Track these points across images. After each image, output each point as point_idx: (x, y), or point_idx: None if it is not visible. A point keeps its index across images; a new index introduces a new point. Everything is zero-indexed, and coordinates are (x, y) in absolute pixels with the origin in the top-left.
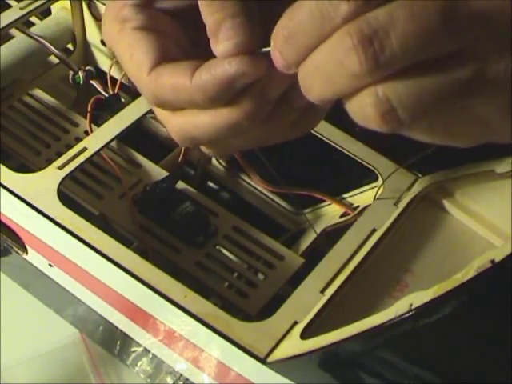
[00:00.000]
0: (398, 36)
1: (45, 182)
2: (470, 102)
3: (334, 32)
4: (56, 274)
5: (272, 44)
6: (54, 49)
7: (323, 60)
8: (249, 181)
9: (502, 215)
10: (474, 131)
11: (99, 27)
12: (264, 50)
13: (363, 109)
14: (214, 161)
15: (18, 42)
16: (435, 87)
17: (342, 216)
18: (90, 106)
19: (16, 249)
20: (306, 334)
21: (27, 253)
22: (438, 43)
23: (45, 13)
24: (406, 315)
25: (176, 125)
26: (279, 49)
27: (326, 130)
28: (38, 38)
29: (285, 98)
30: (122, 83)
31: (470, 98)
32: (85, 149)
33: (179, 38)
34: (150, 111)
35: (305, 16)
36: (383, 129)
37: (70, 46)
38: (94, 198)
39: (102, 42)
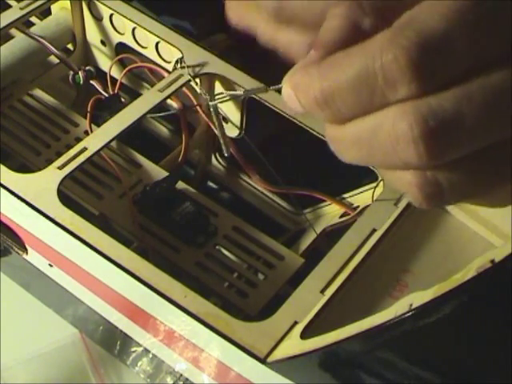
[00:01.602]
0: (467, 129)
1: (45, 182)
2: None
3: (384, 105)
4: (56, 274)
5: (289, 91)
6: (53, 49)
7: (367, 135)
8: (249, 181)
9: (502, 215)
10: (498, 202)
11: (99, 27)
12: (274, 87)
13: (405, 185)
14: (213, 161)
15: (18, 42)
16: (486, 173)
17: (342, 216)
18: (90, 106)
19: (16, 249)
20: (305, 334)
21: (27, 253)
22: (505, 131)
23: (45, 13)
24: (406, 315)
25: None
26: (303, 103)
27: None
28: (38, 38)
29: None
30: (122, 83)
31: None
32: (85, 149)
33: None
34: (150, 111)
35: (348, 82)
36: (422, 206)
37: (70, 46)
38: (94, 198)
39: (102, 42)
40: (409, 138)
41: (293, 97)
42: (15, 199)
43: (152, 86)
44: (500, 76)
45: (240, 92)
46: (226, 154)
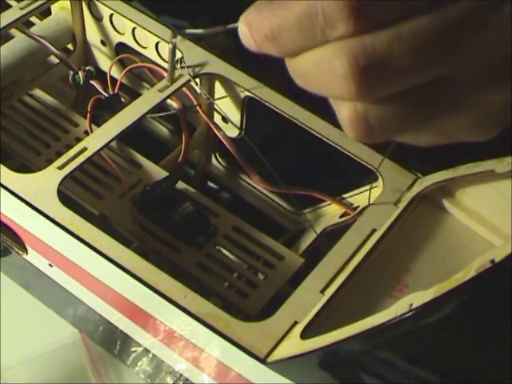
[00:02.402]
0: (396, 69)
1: (45, 182)
2: (441, 122)
3: (325, 42)
4: (56, 274)
5: (244, 28)
6: (53, 49)
7: (309, 69)
8: (249, 181)
9: (501, 215)
10: (433, 138)
11: (99, 27)
12: (230, 26)
13: (340, 113)
14: (213, 161)
15: (18, 42)
16: (415, 111)
17: (342, 216)
18: (90, 105)
19: (16, 249)
20: (305, 334)
21: (27, 253)
22: (432, 72)
23: (45, 13)
24: (406, 315)
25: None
26: (256, 40)
27: (325, 130)
28: (38, 38)
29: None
30: (121, 83)
31: (442, 119)
32: (85, 149)
33: None
34: (150, 111)
35: (293, 20)
36: (351, 135)
37: (70, 46)
38: (93, 198)
39: (102, 42)
40: (341, 74)
41: (247, 34)
42: (15, 199)
43: (152, 86)
44: (428, 20)
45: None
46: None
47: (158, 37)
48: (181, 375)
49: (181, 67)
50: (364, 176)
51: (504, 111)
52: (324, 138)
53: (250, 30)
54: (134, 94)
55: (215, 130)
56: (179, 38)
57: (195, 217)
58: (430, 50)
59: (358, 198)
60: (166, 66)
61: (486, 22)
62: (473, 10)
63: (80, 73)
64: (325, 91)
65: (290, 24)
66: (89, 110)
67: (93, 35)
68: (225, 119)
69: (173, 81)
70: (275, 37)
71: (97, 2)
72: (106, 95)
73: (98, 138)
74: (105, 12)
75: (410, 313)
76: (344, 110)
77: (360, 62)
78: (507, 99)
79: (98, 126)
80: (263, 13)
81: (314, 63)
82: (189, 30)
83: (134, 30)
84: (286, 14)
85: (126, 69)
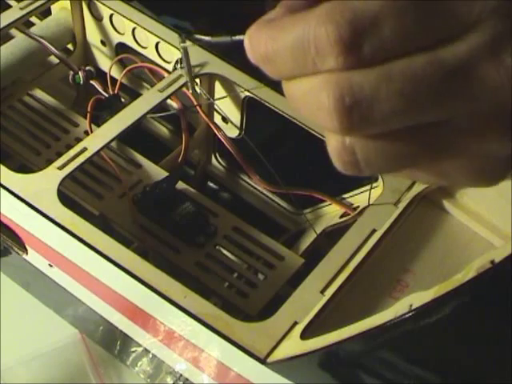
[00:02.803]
0: (382, 112)
1: (45, 182)
2: (435, 163)
3: (316, 73)
4: (56, 274)
5: (247, 42)
6: (53, 49)
7: (301, 97)
8: (249, 181)
9: (501, 215)
10: (433, 180)
11: (99, 27)
12: (236, 38)
13: (329, 144)
14: (213, 161)
15: (18, 42)
16: (406, 152)
17: (342, 216)
18: (90, 105)
19: (16, 249)
20: (305, 334)
21: (27, 253)
22: (422, 117)
23: (45, 13)
24: (406, 316)
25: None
26: (255, 57)
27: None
28: (38, 38)
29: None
30: (121, 83)
31: (438, 162)
32: (85, 149)
33: None
34: (150, 111)
35: (287, 47)
36: (338, 168)
37: (70, 46)
38: (94, 198)
39: (102, 42)
40: (326, 108)
41: (249, 49)
42: (15, 199)
43: (152, 86)
44: (421, 64)
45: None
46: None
47: (158, 37)
48: (181, 375)
49: (181, 67)
50: (364, 176)
51: (506, 162)
52: (324, 138)
53: (251, 45)
54: (134, 94)
55: (215, 130)
56: (188, 42)
57: (195, 217)
58: (420, 97)
59: (358, 198)
60: (166, 66)
61: (484, 71)
62: (470, 57)
63: (80, 73)
64: (313, 119)
65: (284, 50)
66: (89, 110)
67: (93, 35)
68: (225, 119)
69: (190, 85)
70: (270, 59)
71: (97, 2)
72: (106, 95)
73: (98, 138)
74: (105, 12)
75: (410, 313)
76: (332, 141)
77: (345, 99)
78: (508, 151)
79: (98, 126)
80: (261, 32)
81: (303, 91)
82: (197, 36)
83: (133, 30)
84: (281, 38)
85: (126, 69)
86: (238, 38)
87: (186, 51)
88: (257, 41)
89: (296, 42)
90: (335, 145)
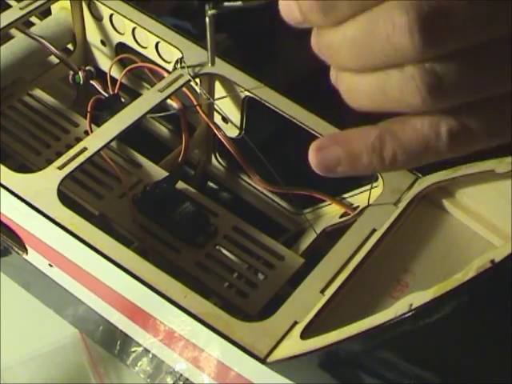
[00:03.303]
0: (461, 17)
1: (45, 182)
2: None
3: (381, 1)
4: (56, 274)
5: None
6: (53, 49)
7: (361, 32)
8: (249, 181)
9: (502, 215)
10: (503, 129)
11: (99, 27)
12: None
13: (401, 83)
14: (213, 161)
15: (18, 42)
16: (481, 66)
17: (342, 216)
18: (90, 106)
19: (16, 249)
20: (305, 334)
21: (27, 253)
22: (498, 28)
23: (45, 13)
24: (406, 315)
25: None
26: (303, 8)
27: (326, 130)
28: (38, 38)
29: None
30: (121, 83)
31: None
32: (85, 149)
33: None
34: (150, 111)
35: None
36: (424, 103)
37: (70, 46)
38: (94, 197)
39: (102, 42)
40: (404, 23)
41: (292, 3)
42: (15, 199)
43: (152, 86)
44: None
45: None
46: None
47: (158, 37)
48: (181, 375)
49: (181, 67)
50: (364, 176)
51: None
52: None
53: None
54: (134, 94)
55: (215, 130)
56: (214, 11)
57: (195, 217)
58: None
59: (358, 198)
60: (166, 65)
61: None
62: None
63: (80, 73)
64: (380, 55)
65: None
66: (89, 110)
67: (93, 35)
68: (225, 119)
69: (209, 59)
70: (329, 2)
71: (97, 2)
72: (106, 95)
73: (98, 138)
74: (105, 12)
75: (410, 313)
76: (410, 71)
77: (425, 7)
78: None
79: (98, 126)
80: None
81: (366, 25)
82: (226, 4)
83: (133, 30)
84: None
85: (126, 69)
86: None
87: (211, 19)
88: None
89: None
90: (416, 72)
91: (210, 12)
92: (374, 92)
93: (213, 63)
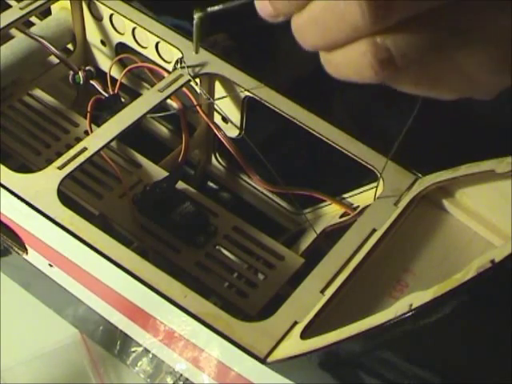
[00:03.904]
0: None
1: (45, 182)
2: (454, 54)
3: None
4: (56, 274)
5: None
6: (53, 49)
7: (321, 11)
8: (249, 181)
9: (502, 215)
10: (457, 84)
11: (99, 27)
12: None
13: (358, 58)
14: (213, 161)
15: (18, 42)
16: (428, 37)
17: (342, 216)
18: (90, 106)
19: (16, 249)
20: (305, 334)
21: (27, 253)
22: None
23: (45, 13)
24: (406, 315)
25: None
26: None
27: (325, 130)
28: (38, 38)
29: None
30: (121, 83)
31: (454, 50)
32: (85, 149)
33: None
34: (150, 111)
35: None
36: (378, 76)
37: (70, 46)
38: (94, 197)
39: (102, 42)
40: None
41: (265, 2)
42: (15, 199)
43: (152, 86)
44: None
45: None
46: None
47: (158, 37)
48: (181, 375)
49: (181, 67)
50: (364, 176)
51: None
52: (324, 138)
53: None
54: (134, 94)
55: (215, 130)
56: (201, 13)
57: (195, 217)
58: None
59: (358, 198)
60: (166, 65)
61: None
62: None
63: (80, 73)
64: (337, 31)
65: None
66: (89, 110)
67: (93, 35)
68: (225, 119)
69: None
70: None
71: (97, 2)
72: (106, 95)
73: (98, 138)
74: (105, 12)
75: (410, 313)
76: (363, 47)
77: None
78: None
79: (98, 126)
80: None
81: (324, 4)
82: (210, 8)
83: (134, 30)
84: None
85: (126, 69)
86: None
87: (198, 21)
88: None
89: None
90: (368, 48)
91: (196, 15)
92: (343, 67)
93: (196, 52)
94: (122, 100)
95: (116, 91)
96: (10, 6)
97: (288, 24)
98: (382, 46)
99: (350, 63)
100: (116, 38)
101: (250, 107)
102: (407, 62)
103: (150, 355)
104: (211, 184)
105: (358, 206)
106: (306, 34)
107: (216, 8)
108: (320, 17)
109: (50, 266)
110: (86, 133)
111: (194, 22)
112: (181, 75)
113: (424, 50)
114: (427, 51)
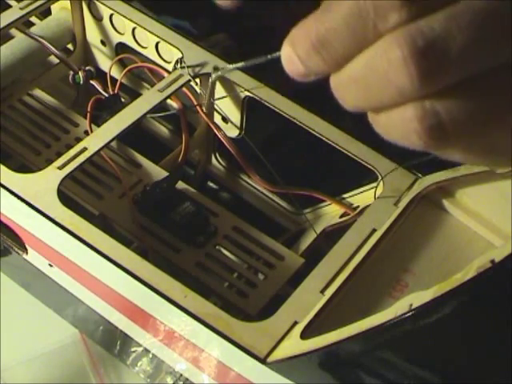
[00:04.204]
0: (457, 49)
1: (45, 182)
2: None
3: (377, 38)
4: (56, 274)
5: (288, 49)
6: (53, 49)
7: (362, 71)
8: (249, 181)
9: (502, 215)
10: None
11: (99, 27)
12: (271, 56)
13: (405, 122)
14: (213, 161)
15: (18, 42)
16: (483, 101)
17: (342, 216)
18: (90, 106)
19: (16, 249)
20: (305, 334)
21: (27, 253)
22: (497, 50)
23: (45, 13)
24: (406, 315)
25: None
26: (301, 55)
27: (325, 130)
28: (38, 38)
29: None
30: (121, 83)
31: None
32: (85, 149)
33: None
34: (150, 111)
35: (341, 21)
36: (426, 145)
37: (70, 46)
38: (94, 197)
39: (102, 42)
40: (400, 59)
41: (292, 55)
42: (15, 199)
43: (152, 86)
44: None
45: (240, 64)
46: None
47: (158, 37)
48: (181, 375)
49: (181, 67)
50: (364, 176)
51: None
52: (324, 138)
53: (294, 47)
54: (134, 94)
55: (215, 130)
56: (219, 72)
57: (195, 217)
58: (492, 26)
59: (358, 197)
60: (166, 65)
61: None
62: None
63: (80, 73)
64: (380, 93)
65: (338, 25)
66: (89, 110)
67: (93, 35)
68: (225, 119)
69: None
70: (323, 44)
71: (97, 2)
72: (106, 95)
73: (98, 138)
74: (105, 12)
75: (410, 313)
76: (410, 112)
77: (418, 42)
78: None
79: (98, 126)
80: (308, 24)
81: (366, 61)
82: (229, 66)
83: (134, 29)
84: (332, 16)
85: (126, 69)
86: (274, 54)
87: (214, 81)
88: (303, 33)
89: (350, 11)
90: (415, 112)
91: (214, 75)
92: (390, 130)
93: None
94: (122, 100)
95: (116, 91)
96: (10, 6)
97: (288, 24)
98: (430, 112)
99: (396, 128)
100: (116, 38)
101: (250, 107)
102: (459, 130)
103: (150, 355)
104: (211, 184)
105: (358, 206)
106: (347, 95)
107: (236, 65)
108: (362, 77)
109: (50, 265)
110: (86, 133)
111: (211, 80)
112: (181, 75)
113: (478, 115)
114: (481, 117)
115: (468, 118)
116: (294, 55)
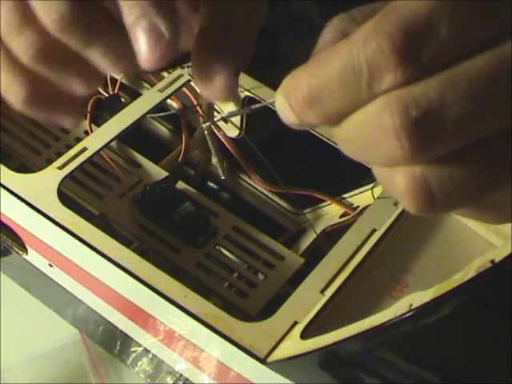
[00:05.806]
0: (453, 120)
1: (45, 182)
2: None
3: (372, 98)
4: (56, 274)
5: (281, 99)
6: None
7: (355, 133)
8: (249, 181)
9: None
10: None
11: None
12: (260, 105)
13: (395, 183)
14: (214, 161)
15: None
16: (486, 172)
17: (342, 216)
18: (90, 105)
19: (16, 249)
20: (305, 334)
21: (27, 253)
22: (494, 119)
23: None
24: (406, 315)
25: None
26: (294, 108)
27: (325, 130)
28: None
29: None
30: (121, 83)
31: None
32: (85, 149)
33: None
34: (150, 111)
35: (334, 77)
36: (414, 208)
37: None
38: (94, 197)
39: None
40: (391, 130)
41: (285, 105)
42: (15, 199)
43: (152, 86)
44: (484, 61)
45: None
46: (222, 177)
47: None
48: (181, 375)
49: (181, 67)
50: (364, 176)
51: None
52: (324, 138)
53: (287, 98)
54: (134, 94)
55: (215, 130)
56: (209, 123)
57: (195, 217)
58: (490, 94)
59: (358, 197)
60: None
61: None
62: None
63: None
64: (374, 155)
65: (331, 81)
66: (89, 110)
67: None
68: (225, 119)
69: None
70: (315, 99)
71: None
72: (106, 95)
73: (98, 138)
74: None
75: (410, 313)
76: (400, 178)
77: (411, 112)
78: None
79: (98, 126)
80: (300, 75)
81: (359, 123)
82: (216, 117)
83: None
84: (325, 70)
85: None
86: (270, 101)
87: (208, 131)
88: (295, 85)
89: (344, 67)
90: (404, 180)
91: (204, 125)
92: (383, 182)
93: (224, 176)
94: (122, 100)
95: (116, 91)
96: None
97: (288, 24)
98: (420, 181)
99: (387, 185)
100: None
101: None
102: (447, 200)
103: (150, 355)
104: (211, 184)
105: (358, 206)
106: (344, 147)
107: (222, 115)
108: (355, 138)
109: (50, 265)
110: (86, 133)
111: (205, 132)
112: (181, 75)
113: (472, 188)
114: (475, 190)
115: (461, 190)
116: (288, 106)
